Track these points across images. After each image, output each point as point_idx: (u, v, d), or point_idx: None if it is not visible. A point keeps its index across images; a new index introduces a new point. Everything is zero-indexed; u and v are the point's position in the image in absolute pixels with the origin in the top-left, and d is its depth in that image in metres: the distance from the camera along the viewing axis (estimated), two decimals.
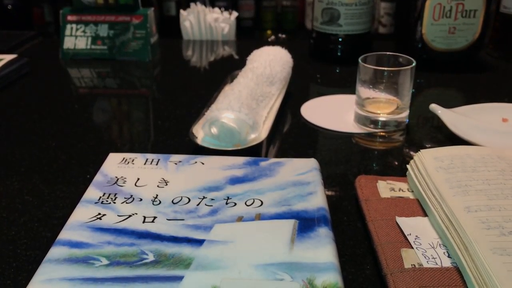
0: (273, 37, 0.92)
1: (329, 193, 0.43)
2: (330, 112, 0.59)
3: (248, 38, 1.93)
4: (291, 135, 0.54)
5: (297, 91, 0.65)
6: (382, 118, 0.54)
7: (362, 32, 0.75)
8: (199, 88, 0.70)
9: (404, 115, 0.54)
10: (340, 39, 0.75)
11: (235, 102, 0.49)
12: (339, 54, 0.76)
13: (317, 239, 0.32)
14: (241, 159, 0.42)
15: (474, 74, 0.73)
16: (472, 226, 0.32)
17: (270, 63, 0.58)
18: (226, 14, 0.88)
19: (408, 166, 0.42)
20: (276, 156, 0.50)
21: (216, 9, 0.89)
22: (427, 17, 0.68)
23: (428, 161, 0.40)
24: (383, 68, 0.52)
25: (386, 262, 0.33)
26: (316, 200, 0.36)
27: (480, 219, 0.33)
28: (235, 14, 0.88)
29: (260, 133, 0.50)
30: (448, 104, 0.56)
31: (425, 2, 0.67)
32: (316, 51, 0.79)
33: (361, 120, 0.55)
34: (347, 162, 0.49)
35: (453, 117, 0.52)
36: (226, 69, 0.68)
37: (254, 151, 0.48)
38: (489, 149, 0.41)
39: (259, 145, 0.49)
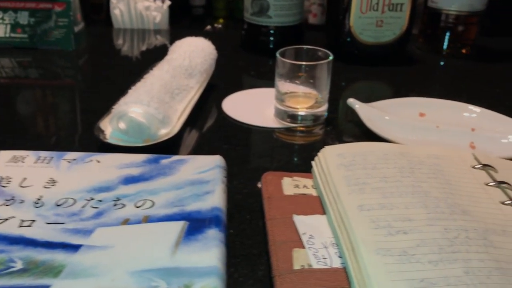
0: (209, 26, 0.90)
1: (238, 190, 0.42)
2: (252, 106, 0.58)
3: (200, 26, 1.90)
4: (209, 130, 0.53)
5: (223, 84, 0.64)
6: (301, 112, 0.53)
7: (293, 24, 0.74)
8: (124, 79, 0.67)
9: (322, 109, 0.54)
10: (271, 31, 0.74)
11: (145, 95, 0.47)
12: (271, 46, 0.75)
13: (204, 241, 0.31)
14: (141, 157, 0.40)
15: (403, 68, 0.73)
16: (361, 226, 0.32)
17: (190, 55, 0.56)
18: (158, 2, 0.85)
19: (312, 162, 0.41)
20: (190, 152, 0.48)
21: None
22: (355, 10, 0.68)
23: (330, 157, 0.40)
24: (299, 62, 0.51)
25: (277, 263, 0.32)
26: (212, 199, 0.35)
27: (371, 218, 0.32)
28: (167, 2, 0.85)
29: (173, 128, 0.48)
30: (375, 97, 0.56)
31: None
32: (248, 43, 0.77)
33: (280, 114, 0.54)
34: (262, 158, 0.48)
35: (370, 112, 0.52)
36: (157, 59, 0.65)
37: (167, 147, 0.47)
38: (394, 146, 0.41)
39: (173, 141, 0.48)
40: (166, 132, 0.47)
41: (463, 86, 0.69)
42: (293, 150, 0.50)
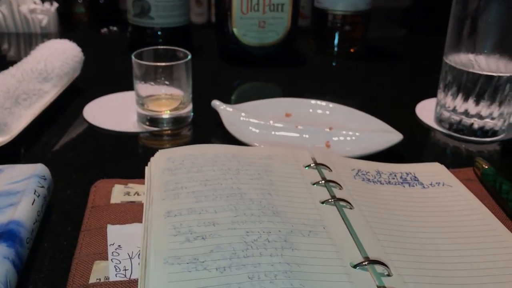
0: (105, 29, 0.87)
1: (69, 200, 0.39)
2: (118, 111, 0.55)
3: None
4: (59, 136, 0.50)
5: (95, 88, 0.61)
6: (163, 115, 0.51)
7: (178, 26, 0.72)
8: None
9: (186, 110, 0.52)
10: (158, 33, 0.72)
11: None
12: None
13: None
14: None
15: (293, 69, 0.73)
16: (160, 233, 0.30)
17: (47, 58, 0.53)
18: (46, 5, 0.81)
19: (146, 167, 0.39)
20: (29, 161, 0.45)
21: None
22: (236, 11, 0.67)
23: (160, 161, 0.38)
24: (155, 64, 0.49)
25: (73, 277, 0.30)
26: (12, 212, 0.32)
27: (174, 225, 0.31)
28: (55, 5, 0.81)
29: (14, 136, 0.45)
30: (256, 99, 0.55)
31: None
32: (134, 45, 0.74)
33: (142, 119, 0.52)
34: (107, 164, 0.45)
35: (232, 115, 0.51)
36: None
37: (6, 156, 0.44)
38: (229, 147, 0.40)
39: (14, 148, 0.45)
40: (3, 139, 0.44)
41: (349, 85, 0.69)
42: (146, 155, 0.48)
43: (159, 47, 0.51)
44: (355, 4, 0.73)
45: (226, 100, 0.54)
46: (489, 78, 0.49)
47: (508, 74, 0.49)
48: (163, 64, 0.49)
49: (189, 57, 0.50)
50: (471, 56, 0.51)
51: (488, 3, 0.48)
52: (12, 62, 0.75)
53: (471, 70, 0.49)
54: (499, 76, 0.48)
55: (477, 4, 0.48)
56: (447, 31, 0.53)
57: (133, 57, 0.49)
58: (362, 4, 0.73)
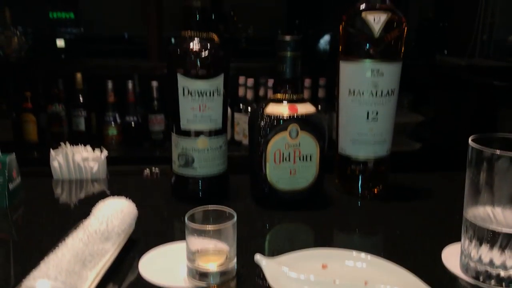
0: (147, 170, 0.96)
1: None
2: (169, 264, 0.60)
3: (160, 149, 2.00)
4: None
5: (145, 238, 0.67)
6: (211, 270, 0.56)
7: (217, 174, 0.80)
8: (58, 232, 0.67)
9: (232, 264, 0.57)
10: (200, 181, 0.80)
11: (53, 269, 0.49)
12: (200, 195, 0.80)
13: None
14: None
15: (321, 211, 0.79)
16: None
17: (108, 218, 0.60)
18: (97, 152, 0.91)
19: None
20: None
21: (88, 147, 0.92)
22: (270, 161, 0.75)
23: None
24: (205, 228, 0.55)
25: None
26: None
27: None
28: (105, 152, 0.91)
29: None
30: (293, 244, 0.60)
31: (266, 148, 0.74)
32: (177, 193, 0.82)
33: (192, 273, 0.57)
34: None
35: (275, 270, 0.56)
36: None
37: None
38: None
39: None
40: None
41: (375, 227, 0.75)
42: None
43: (209, 207, 0.58)
44: (375, 151, 0.80)
45: (263, 245, 0.59)
46: (509, 234, 0.54)
47: None
48: (213, 227, 0.55)
49: (235, 218, 0.56)
50: (488, 209, 0.56)
51: (500, 167, 0.54)
52: (64, 205, 0.84)
53: (490, 228, 0.54)
54: None
55: (489, 167, 0.55)
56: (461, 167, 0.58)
57: (186, 219, 0.56)
58: (382, 152, 0.81)
